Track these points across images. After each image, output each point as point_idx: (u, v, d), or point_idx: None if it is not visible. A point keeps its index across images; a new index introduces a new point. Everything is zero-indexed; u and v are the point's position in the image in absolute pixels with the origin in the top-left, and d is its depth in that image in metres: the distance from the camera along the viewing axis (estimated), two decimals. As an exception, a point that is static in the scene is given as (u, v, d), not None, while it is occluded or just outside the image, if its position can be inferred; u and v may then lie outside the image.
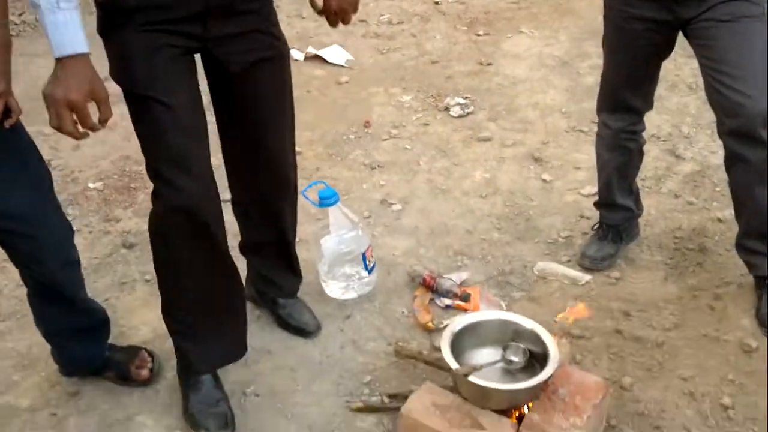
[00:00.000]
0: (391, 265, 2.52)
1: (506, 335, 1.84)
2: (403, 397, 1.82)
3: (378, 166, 3.23)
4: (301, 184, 3.07)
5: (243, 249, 2.17)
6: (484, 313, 1.87)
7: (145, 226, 1.78)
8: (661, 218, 2.71)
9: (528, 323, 1.82)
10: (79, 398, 2.00)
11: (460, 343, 1.80)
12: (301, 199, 2.28)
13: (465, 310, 2.26)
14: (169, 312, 1.84)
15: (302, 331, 2.16)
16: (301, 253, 2.59)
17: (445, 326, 2.13)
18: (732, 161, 1.97)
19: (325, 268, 2.31)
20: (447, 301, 2.30)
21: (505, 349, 1.80)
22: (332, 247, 2.25)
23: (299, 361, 2.09)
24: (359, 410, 1.90)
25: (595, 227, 2.55)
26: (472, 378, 1.64)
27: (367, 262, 2.30)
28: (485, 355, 1.82)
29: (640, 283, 2.36)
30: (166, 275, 1.79)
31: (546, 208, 2.85)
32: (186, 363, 1.86)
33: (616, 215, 2.47)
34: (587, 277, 2.40)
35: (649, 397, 1.87)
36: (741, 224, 2.02)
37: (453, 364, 1.67)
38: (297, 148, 3.40)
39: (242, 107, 1.78)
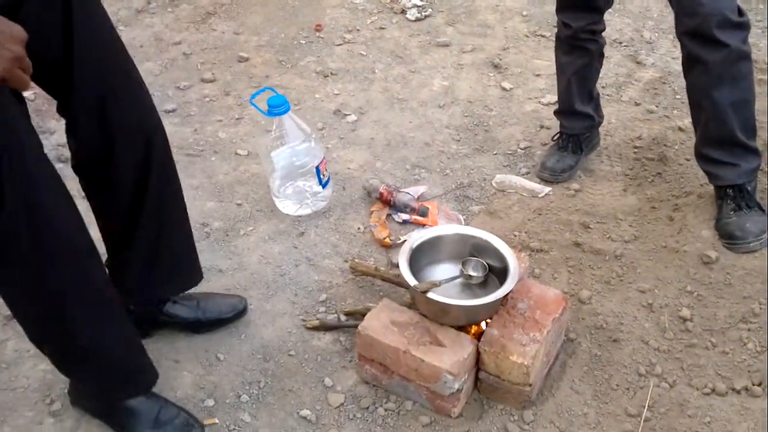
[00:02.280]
0: (347, 179, 2.42)
1: (465, 250, 1.78)
2: (360, 315, 1.77)
3: (331, 73, 3.06)
4: (250, 91, 2.92)
5: None
6: (443, 228, 1.81)
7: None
8: (621, 127, 2.65)
9: (487, 237, 1.76)
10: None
11: (418, 259, 1.74)
12: (251, 109, 2.13)
13: (423, 225, 2.20)
14: None
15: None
16: (252, 166, 2.47)
17: (403, 242, 2.08)
18: (689, 64, 1.90)
19: (277, 183, 2.20)
20: (404, 216, 2.23)
21: (464, 264, 1.74)
22: (284, 159, 2.13)
23: (251, 280, 2.00)
24: (315, 328, 1.85)
25: (555, 137, 2.48)
26: (430, 294, 1.59)
27: (321, 176, 2.19)
28: (444, 270, 1.77)
29: (599, 194, 2.32)
30: None
31: (505, 118, 2.76)
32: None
33: (576, 123, 2.40)
34: (547, 189, 2.35)
35: (607, 309, 1.86)
36: (699, 131, 1.97)
37: (411, 281, 1.61)
38: (245, 54, 3.23)
39: None
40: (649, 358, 1.73)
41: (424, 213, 2.22)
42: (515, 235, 2.16)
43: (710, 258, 1.86)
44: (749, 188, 1.93)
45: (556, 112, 2.46)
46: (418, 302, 1.67)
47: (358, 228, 2.20)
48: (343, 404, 1.67)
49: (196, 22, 3.42)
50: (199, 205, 2.28)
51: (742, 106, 1.85)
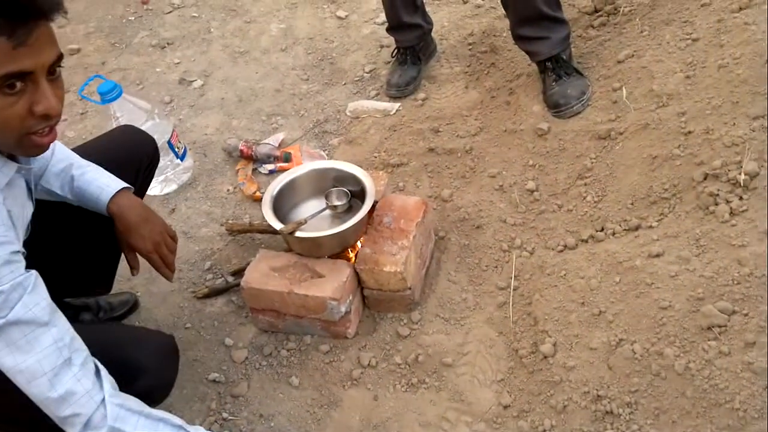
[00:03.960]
0: (206, 145, 2.45)
1: (326, 183, 1.88)
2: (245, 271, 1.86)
3: (168, 44, 3.02)
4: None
5: None
6: (297, 169, 1.89)
7: None
8: (454, 28, 2.77)
9: (341, 166, 1.86)
10: None
11: (283, 203, 1.82)
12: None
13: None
14: None
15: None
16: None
17: (272, 191, 2.16)
18: None
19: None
20: (269, 167, 2.30)
21: (326, 196, 1.85)
22: (134, 145, 2.13)
23: (136, 267, 2.04)
24: (206, 296, 1.93)
25: (394, 53, 2.58)
26: (297, 233, 1.69)
27: (176, 149, 2.21)
28: (310, 207, 1.86)
29: (444, 98, 2.46)
30: None
31: (347, 47, 2.83)
32: None
33: (408, 35, 2.50)
34: (396, 105, 2.46)
35: (467, 202, 2.02)
36: (510, 15, 2.12)
37: (277, 225, 1.70)
38: (74, 45, 3.12)
39: None
40: (509, 234, 1.91)
41: (287, 158, 2.30)
42: (375, 156, 2.27)
43: (543, 130, 2.04)
44: (564, 57, 2.10)
45: (387, 29, 2.54)
46: (291, 244, 1.78)
47: (228, 190, 2.26)
48: (247, 358, 1.77)
49: (15, 23, 3.25)
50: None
51: None
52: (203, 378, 1.74)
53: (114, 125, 2.12)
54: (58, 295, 1.74)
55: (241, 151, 2.32)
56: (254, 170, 2.31)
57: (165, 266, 1.47)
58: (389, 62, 2.64)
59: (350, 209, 1.85)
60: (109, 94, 2.04)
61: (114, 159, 1.54)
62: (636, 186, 1.78)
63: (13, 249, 1.08)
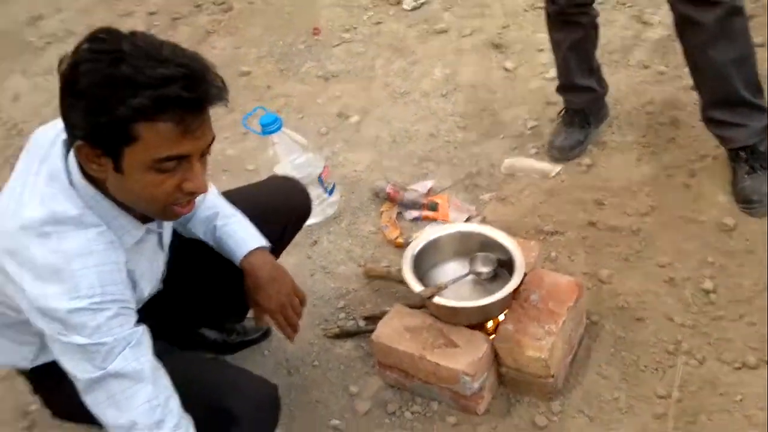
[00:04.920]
0: (354, 182, 2.40)
1: (471, 246, 1.75)
2: (378, 318, 1.76)
3: (332, 76, 3.04)
4: (253, 104, 2.92)
5: None
6: (443, 228, 1.78)
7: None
8: (632, 93, 2.57)
9: (489, 232, 1.73)
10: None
11: (424, 261, 1.72)
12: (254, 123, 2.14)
13: (434, 220, 2.17)
14: None
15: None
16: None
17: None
18: (682, 25, 1.82)
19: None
20: (414, 213, 2.21)
21: (471, 260, 1.71)
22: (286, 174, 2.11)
23: (268, 297, 2.00)
24: (336, 336, 1.85)
25: (561, 114, 2.42)
26: (437, 299, 1.56)
27: (325, 185, 2.18)
28: (451, 269, 1.74)
29: (612, 167, 2.26)
30: None
31: (510, 99, 2.70)
32: None
33: (579, 98, 2.33)
34: (557, 168, 2.30)
35: (628, 288, 1.81)
36: (702, 94, 1.90)
37: (416, 288, 1.59)
38: (246, 68, 3.23)
39: None
40: (675, 335, 1.68)
41: (433, 208, 2.19)
42: (527, 220, 2.11)
43: (728, 226, 1.79)
44: (762, 148, 1.85)
45: (557, 89, 2.39)
46: (428, 305, 1.65)
47: (370, 230, 2.19)
48: (370, 410, 1.67)
49: (196, 42, 3.43)
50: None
51: (742, 62, 1.77)
52: (325, 422, 1.65)
53: (271, 153, 2.12)
54: (192, 326, 1.76)
55: (388, 193, 2.24)
56: (398, 214, 2.23)
57: (288, 327, 1.44)
58: (555, 120, 2.48)
59: (494, 278, 1.70)
60: (270, 126, 2.05)
61: (264, 212, 1.53)
62: None
63: (124, 305, 1.11)
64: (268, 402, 1.30)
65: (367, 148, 2.57)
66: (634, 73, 2.67)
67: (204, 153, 1.10)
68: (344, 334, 1.86)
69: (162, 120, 1.00)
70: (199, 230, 1.47)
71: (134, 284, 1.21)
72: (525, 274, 1.67)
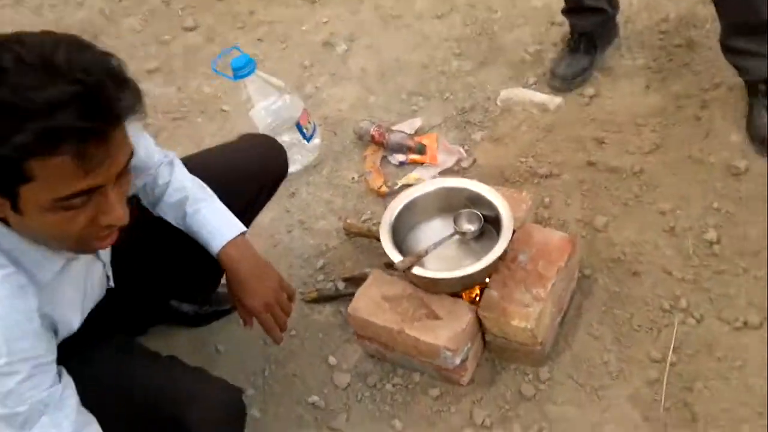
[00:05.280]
0: (338, 123, 2.24)
1: (456, 202, 1.61)
2: (359, 280, 1.66)
3: (318, -2, 2.81)
4: (234, 33, 2.73)
5: None
6: (423, 186, 1.63)
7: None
8: (644, 8, 2.32)
9: (476, 186, 1.58)
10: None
11: (405, 222, 1.59)
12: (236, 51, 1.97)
13: (421, 164, 2.03)
14: None
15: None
16: (238, 124, 2.31)
17: (401, 187, 1.93)
18: None
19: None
20: (400, 157, 2.06)
21: (455, 219, 1.58)
22: (261, 120, 1.97)
23: (246, 254, 1.91)
24: (314, 301, 1.76)
25: (566, 39, 2.20)
26: (415, 270, 1.45)
27: (305, 130, 2.03)
28: (436, 228, 1.61)
29: (618, 97, 2.06)
30: None
31: (512, 20, 2.46)
32: None
33: (588, 21, 2.11)
34: (557, 99, 2.10)
35: (624, 238, 1.67)
36: (722, 19, 1.67)
37: (395, 258, 1.47)
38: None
39: None
40: (673, 290, 1.55)
41: (420, 150, 2.04)
42: (522, 162, 1.95)
43: (739, 168, 1.62)
44: (786, 81, 1.64)
45: (563, 11, 2.16)
46: (408, 276, 1.54)
47: (353, 178, 2.05)
48: (350, 384, 1.59)
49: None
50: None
51: None
52: (302, 399, 1.58)
53: (244, 97, 1.97)
54: (164, 299, 1.65)
55: (372, 136, 2.08)
56: (383, 158, 2.08)
57: (276, 328, 1.29)
58: (558, 45, 2.26)
59: (481, 235, 1.57)
60: (242, 70, 1.88)
61: (237, 177, 1.38)
62: None
63: (38, 362, 0.94)
64: (230, 411, 1.17)
65: (353, 83, 2.38)
66: (649, -17, 2.40)
67: (121, 175, 0.91)
68: (323, 299, 1.75)
69: (56, 155, 0.81)
70: (169, 216, 1.32)
71: (54, 327, 1.03)
72: (514, 231, 1.54)
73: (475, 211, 1.57)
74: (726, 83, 1.87)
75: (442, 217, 1.62)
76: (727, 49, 1.68)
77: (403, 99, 2.28)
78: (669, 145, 1.82)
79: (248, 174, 1.45)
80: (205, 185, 1.34)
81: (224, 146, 1.55)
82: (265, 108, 1.96)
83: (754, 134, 1.63)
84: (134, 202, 1.31)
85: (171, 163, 1.32)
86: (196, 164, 1.37)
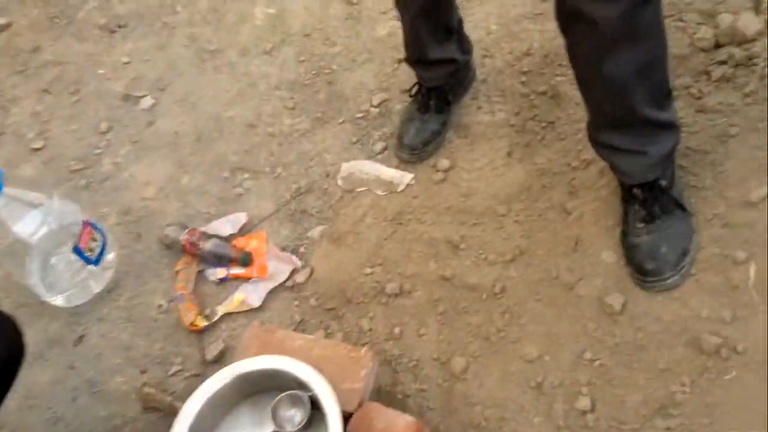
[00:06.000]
0: (142, 220, 1.80)
1: (271, 382, 1.26)
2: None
3: (119, 26, 2.28)
4: (13, 80, 2.17)
5: None
6: (222, 374, 1.25)
7: None
8: (505, 37, 1.96)
9: (289, 365, 1.23)
10: None
11: (208, 418, 1.22)
12: (16, 115, 1.47)
13: (247, 279, 1.64)
14: None
15: None
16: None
17: (221, 318, 1.55)
18: (568, 18, 1.21)
19: (34, 277, 1.59)
20: (220, 273, 1.66)
21: (273, 411, 1.23)
22: (20, 257, 1.50)
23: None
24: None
25: (413, 92, 1.82)
26: None
27: (88, 254, 1.58)
28: (248, 424, 1.25)
29: (476, 170, 1.72)
30: None
31: (353, 55, 2.05)
32: None
33: (436, 73, 1.74)
34: (407, 177, 1.75)
35: (486, 393, 1.37)
36: (589, 110, 1.33)
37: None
38: (4, 18, 2.38)
39: None
40: (544, 473, 1.27)
41: (245, 261, 1.65)
42: (367, 273, 1.60)
43: (614, 309, 1.32)
44: (664, 183, 1.33)
45: (406, 60, 1.77)
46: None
47: (160, 306, 1.64)
48: None
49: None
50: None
51: (651, 69, 1.20)
52: None
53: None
54: None
55: (184, 246, 1.66)
56: (200, 273, 1.67)
57: None
58: (406, 92, 1.88)
59: (310, 424, 1.23)
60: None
61: None
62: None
63: None
64: None
65: (162, 154, 1.92)
66: (511, 1, 2.03)
67: None
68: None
69: None
70: None
71: None
72: (350, 415, 1.21)
73: (298, 393, 1.22)
74: (595, 164, 1.56)
75: (255, 408, 1.26)
76: (595, 142, 1.35)
77: (226, 178, 1.85)
78: (534, 251, 1.50)
79: None
80: None
81: None
82: (25, 237, 1.49)
83: (629, 257, 1.34)
84: None
85: None
86: None
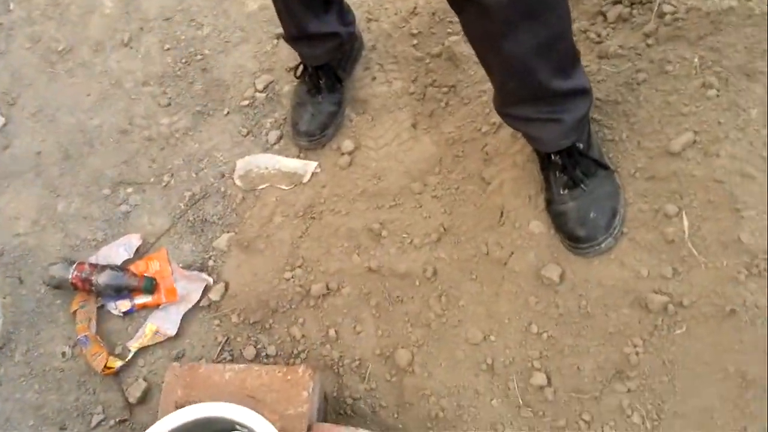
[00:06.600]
0: (20, 261, 1.58)
1: (213, 428, 1.14)
2: None
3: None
4: None
5: None
6: (154, 430, 1.12)
7: None
8: (386, -2, 1.85)
9: (216, 409, 1.11)
10: None
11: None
12: None
13: (156, 306, 1.48)
14: None
15: None
16: None
17: (136, 354, 1.40)
18: (463, 5, 1.11)
19: None
20: (124, 305, 1.49)
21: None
22: None
23: None
24: None
25: (298, 72, 1.68)
26: None
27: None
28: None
29: (383, 146, 1.63)
30: None
31: (225, 35, 1.88)
32: None
33: (320, 49, 1.60)
34: (311, 165, 1.63)
35: (438, 383, 1.32)
36: (494, 86, 1.26)
37: None
38: None
39: None
40: (510, 453, 1.25)
41: (149, 288, 1.49)
42: (288, 278, 1.49)
43: (553, 281, 1.30)
44: (581, 145, 1.30)
45: (285, 39, 1.62)
46: None
47: (64, 353, 1.45)
48: None
49: None
50: None
51: (554, 41, 1.13)
52: None
53: None
54: None
55: (74, 284, 1.47)
56: (101, 308, 1.49)
57: None
58: (292, 71, 1.73)
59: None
60: None
61: None
62: (714, 411, 1.13)
63: None
64: None
65: (28, 182, 1.69)
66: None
67: None
68: None
69: None
70: None
71: None
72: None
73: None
74: (506, 128, 1.51)
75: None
76: (509, 116, 1.29)
77: (107, 196, 1.65)
78: (459, 228, 1.45)
79: None
80: None
81: None
82: None
83: (559, 227, 1.30)
84: None
85: None
86: None
